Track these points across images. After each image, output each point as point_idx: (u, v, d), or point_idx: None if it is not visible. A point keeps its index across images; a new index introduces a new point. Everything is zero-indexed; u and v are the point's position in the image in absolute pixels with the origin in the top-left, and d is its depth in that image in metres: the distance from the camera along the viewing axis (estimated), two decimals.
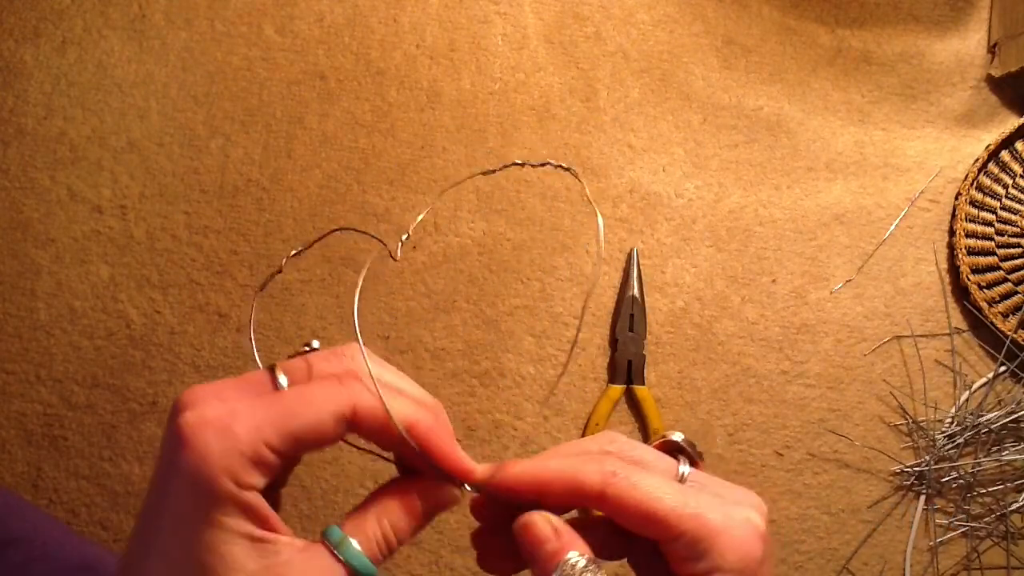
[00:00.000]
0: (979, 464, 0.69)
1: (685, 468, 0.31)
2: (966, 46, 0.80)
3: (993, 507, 0.69)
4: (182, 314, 0.73)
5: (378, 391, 0.29)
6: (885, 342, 0.73)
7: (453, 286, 0.74)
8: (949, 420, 0.71)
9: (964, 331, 0.73)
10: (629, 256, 0.74)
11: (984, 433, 0.70)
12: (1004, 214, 0.74)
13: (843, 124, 0.79)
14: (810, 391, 0.72)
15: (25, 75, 0.79)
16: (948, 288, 0.75)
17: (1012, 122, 0.76)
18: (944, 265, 0.75)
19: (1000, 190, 0.75)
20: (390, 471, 0.34)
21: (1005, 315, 0.72)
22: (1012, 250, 0.74)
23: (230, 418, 0.26)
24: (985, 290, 0.73)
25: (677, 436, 0.32)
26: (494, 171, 0.45)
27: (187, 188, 0.76)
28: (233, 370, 0.72)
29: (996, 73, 0.78)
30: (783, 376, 0.73)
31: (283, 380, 0.29)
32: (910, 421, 0.71)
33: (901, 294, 0.74)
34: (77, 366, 0.72)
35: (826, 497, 0.71)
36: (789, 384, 0.73)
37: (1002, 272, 0.73)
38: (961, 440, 0.70)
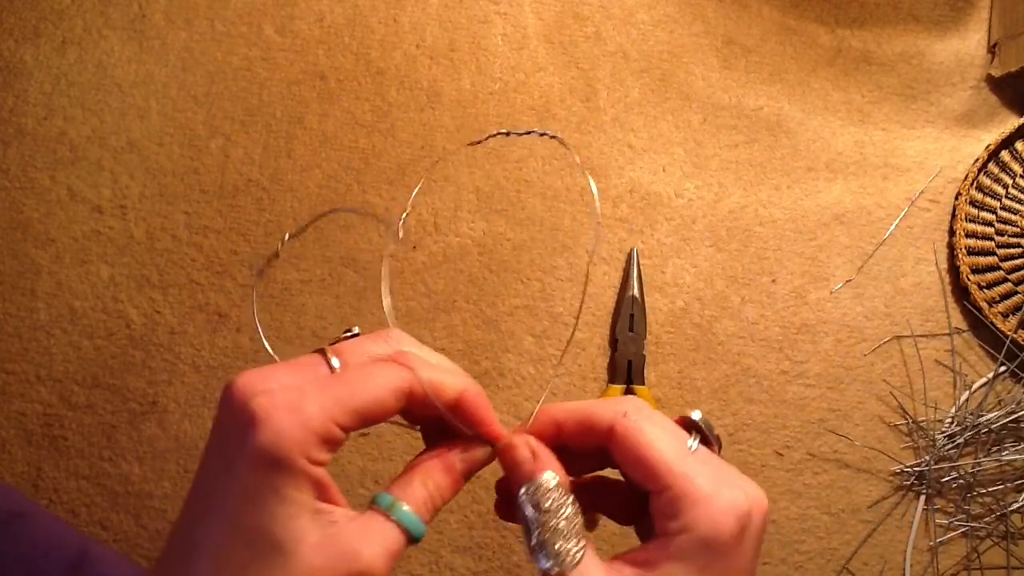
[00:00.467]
0: (979, 464, 0.69)
1: (693, 443, 0.32)
2: (966, 46, 0.80)
3: (993, 507, 0.69)
4: (182, 314, 0.73)
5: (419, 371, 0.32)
6: (885, 342, 0.73)
7: (453, 286, 0.74)
8: (949, 420, 0.71)
9: (964, 331, 0.73)
10: (629, 256, 0.74)
11: (984, 433, 0.70)
12: (1004, 214, 0.74)
13: (843, 124, 0.79)
14: (810, 391, 0.72)
15: (25, 75, 0.79)
16: (948, 288, 0.75)
17: (1012, 122, 0.76)
18: (944, 265, 0.75)
19: (1000, 190, 0.75)
20: (389, 471, 0.35)
21: (1005, 315, 0.72)
22: (1012, 250, 0.74)
23: (301, 400, 0.28)
24: (985, 290, 0.73)
25: (695, 414, 0.33)
26: (480, 142, 0.48)
27: (187, 188, 0.76)
28: (233, 370, 0.72)
29: (996, 73, 0.78)
30: (783, 376, 0.73)
31: (335, 362, 0.31)
32: (910, 421, 0.71)
33: (901, 294, 0.74)
34: (77, 366, 0.72)
35: (826, 497, 0.71)
36: (789, 384, 0.73)
37: (1002, 272, 0.73)
38: (961, 440, 0.70)
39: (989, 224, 0.74)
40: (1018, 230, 0.74)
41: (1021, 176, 0.75)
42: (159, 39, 0.80)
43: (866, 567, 0.69)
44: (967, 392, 0.72)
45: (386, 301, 0.33)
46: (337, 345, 0.32)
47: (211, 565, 0.27)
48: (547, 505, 0.31)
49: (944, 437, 0.70)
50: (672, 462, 0.30)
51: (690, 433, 0.33)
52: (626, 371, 0.71)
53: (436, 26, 0.80)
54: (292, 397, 0.28)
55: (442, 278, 0.74)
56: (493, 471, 0.35)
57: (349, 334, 0.34)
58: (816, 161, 0.78)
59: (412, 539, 0.30)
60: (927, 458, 0.70)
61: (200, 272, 0.74)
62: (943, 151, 0.78)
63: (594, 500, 0.36)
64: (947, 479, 0.70)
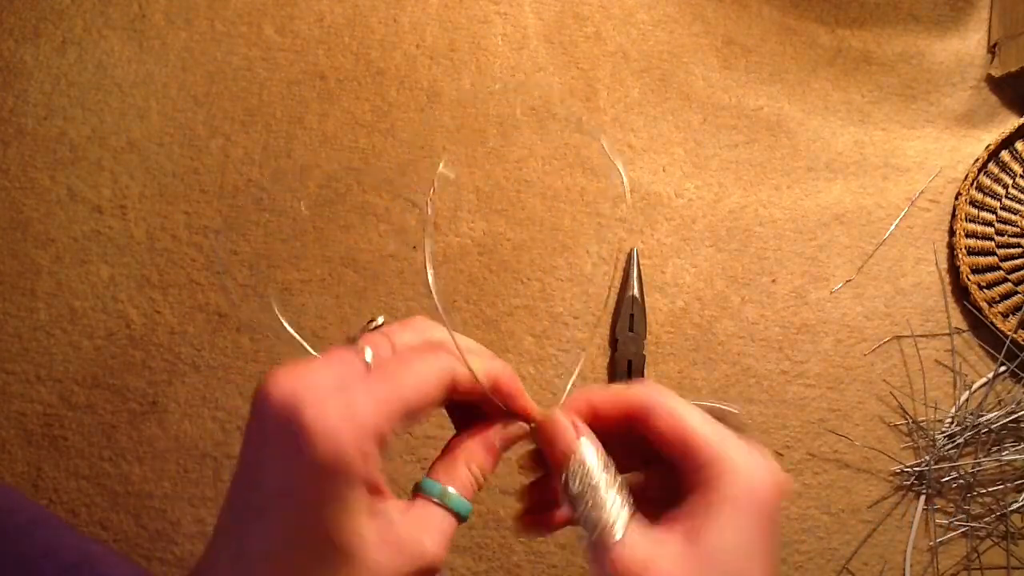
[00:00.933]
0: (979, 464, 0.69)
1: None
2: (966, 46, 0.80)
3: (993, 507, 0.69)
4: (182, 314, 0.73)
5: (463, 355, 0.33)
6: (885, 342, 0.73)
7: (453, 286, 0.74)
8: (949, 420, 0.71)
9: (964, 331, 0.73)
10: (629, 256, 0.74)
11: (984, 433, 0.70)
12: (1004, 214, 0.74)
13: (843, 124, 0.79)
14: (810, 391, 0.72)
15: (25, 75, 0.79)
16: (948, 288, 0.75)
17: (1012, 122, 0.76)
18: (944, 265, 0.75)
19: (1000, 190, 0.75)
20: (407, 444, 0.36)
21: (1005, 315, 0.72)
22: (1012, 250, 0.74)
23: (353, 405, 0.28)
24: (985, 290, 0.73)
25: (724, 406, 0.34)
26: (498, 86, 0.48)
27: (187, 188, 0.76)
28: (233, 370, 0.72)
29: (996, 73, 0.78)
30: (783, 376, 0.73)
31: (369, 355, 0.30)
32: (910, 421, 0.71)
33: (901, 294, 0.74)
34: (77, 366, 0.72)
35: (826, 497, 0.71)
36: (789, 384, 0.73)
37: (1002, 272, 0.73)
38: (961, 440, 0.70)
39: (989, 224, 0.74)
40: (1018, 230, 0.74)
41: (1021, 176, 0.75)
42: (159, 39, 0.80)
43: (866, 567, 0.69)
44: (967, 392, 0.72)
45: (431, 277, 0.33)
46: (367, 336, 0.32)
47: (267, 567, 0.27)
48: (592, 475, 0.31)
49: (944, 437, 0.70)
50: (709, 436, 0.31)
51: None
52: (626, 371, 0.71)
53: (436, 26, 0.80)
54: (342, 403, 0.28)
55: (442, 278, 0.74)
56: (500, 480, 0.34)
57: (374, 324, 0.34)
58: (816, 161, 0.78)
59: (461, 519, 0.31)
60: (927, 458, 0.70)
61: (200, 272, 0.74)
62: (943, 151, 0.78)
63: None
64: (947, 479, 0.70)
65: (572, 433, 0.33)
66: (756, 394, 0.72)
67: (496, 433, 0.34)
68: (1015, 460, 0.69)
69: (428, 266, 0.34)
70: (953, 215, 0.75)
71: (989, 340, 0.73)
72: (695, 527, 0.30)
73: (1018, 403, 0.70)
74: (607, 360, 0.73)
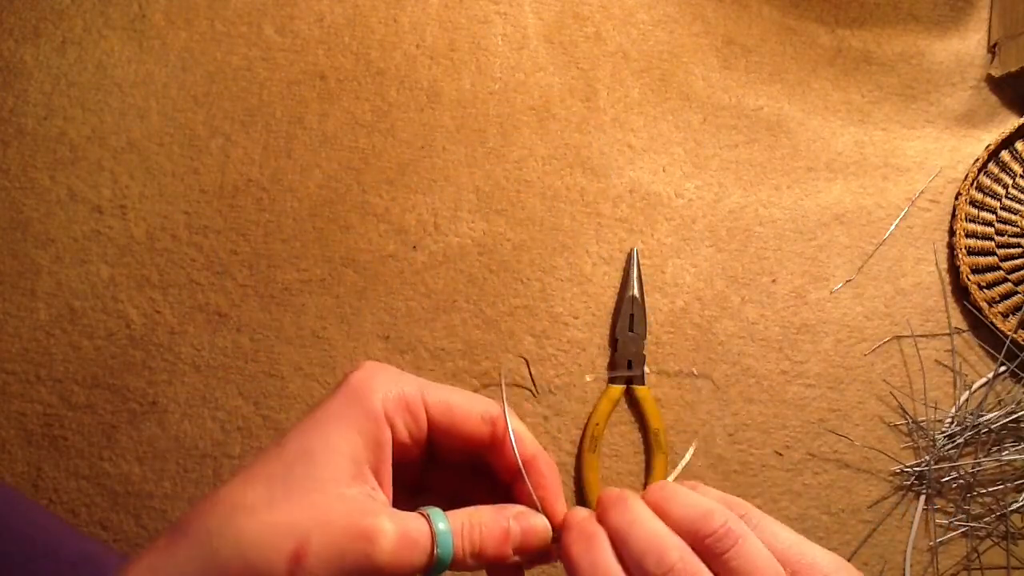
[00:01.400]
0: (979, 464, 0.69)
1: None
2: (966, 46, 0.80)
3: (993, 507, 0.69)
4: (182, 314, 0.73)
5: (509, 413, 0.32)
6: (885, 342, 0.73)
7: (453, 286, 0.74)
8: (949, 420, 0.71)
9: (964, 331, 0.73)
10: (629, 256, 0.74)
11: (984, 433, 0.70)
12: (1004, 214, 0.74)
13: (843, 124, 0.79)
14: (810, 391, 0.72)
15: (25, 75, 0.79)
16: (948, 288, 0.75)
17: (1012, 122, 0.76)
18: (944, 265, 0.75)
19: (1000, 190, 0.75)
20: None
21: (1005, 315, 0.72)
22: (1012, 250, 0.74)
23: (402, 372, 0.30)
24: (985, 290, 0.73)
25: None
26: None
27: (187, 188, 0.76)
28: (233, 370, 0.72)
29: (996, 73, 0.78)
30: (783, 376, 0.73)
31: None
32: (910, 421, 0.71)
33: (901, 294, 0.74)
34: (77, 366, 0.72)
35: (826, 497, 0.71)
36: (789, 384, 0.73)
37: (1002, 272, 0.73)
38: (961, 440, 0.70)
39: (989, 224, 0.74)
40: (1018, 230, 0.74)
41: (1021, 176, 0.75)
42: (159, 39, 0.80)
43: (866, 567, 0.69)
44: (967, 392, 0.72)
45: (514, 442, 0.32)
46: None
47: (244, 479, 0.27)
48: None
49: (944, 437, 0.70)
50: None
51: None
52: (626, 370, 0.71)
53: (436, 26, 0.80)
54: (394, 368, 0.30)
55: (442, 278, 0.74)
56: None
57: None
58: (816, 161, 0.78)
59: (437, 556, 0.28)
60: (927, 458, 0.70)
61: (200, 272, 0.74)
62: (943, 151, 0.78)
63: None
64: (947, 479, 0.70)
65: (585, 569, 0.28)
66: (756, 394, 0.72)
67: (511, 508, 0.31)
68: (1015, 460, 0.69)
69: (513, 443, 0.33)
70: (953, 215, 0.75)
71: (989, 340, 0.73)
72: None
73: (1018, 403, 0.70)
74: (607, 360, 0.73)
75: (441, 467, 0.34)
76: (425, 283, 0.74)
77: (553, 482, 0.32)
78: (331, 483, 0.27)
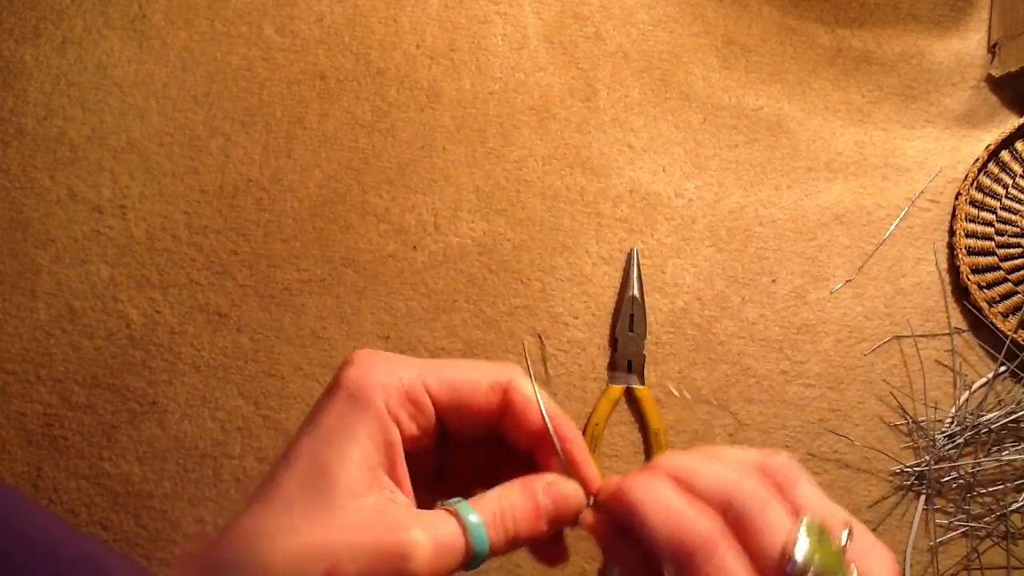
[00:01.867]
0: (979, 464, 0.69)
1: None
2: (966, 46, 0.80)
3: (993, 507, 0.69)
4: (182, 314, 0.73)
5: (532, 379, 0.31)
6: (885, 342, 0.73)
7: (453, 286, 0.74)
8: (949, 420, 0.71)
9: (964, 331, 0.73)
10: (629, 256, 0.74)
11: (984, 433, 0.70)
12: (1004, 214, 0.74)
13: (843, 124, 0.79)
14: (810, 391, 0.72)
15: (25, 75, 0.79)
16: (948, 288, 0.75)
17: (1012, 122, 0.76)
18: (944, 265, 0.75)
19: (1000, 190, 0.75)
20: None
21: (1005, 315, 0.72)
22: (1012, 250, 0.74)
23: (399, 359, 0.28)
24: (985, 290, 0.73)
25: (799, 551, 0.25)
26: None
27: (187, 188, 0.76)
28: (233, 370, 0.72)
29: (996, 73, 0.78)
30: (783, 376, 0.73)
31: None
32: (910, 421, 0.71)
33: (901, 294, 0.74)
34: (77, 366, 0.72)
35: None
36: (789, 384, 0.73)
37: (1002, 272, 0.73)
38: (961, 440, 0.70)
39: (989, 224, 0.74)
40: (1018, 230, 0.74)
41: (1021, 176, 0.75)
42: (159, 39, 0.80)
43: None
44: (967, 392, 0.72)
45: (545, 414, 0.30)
46: None
47: (261, 504, 0.25)
48: None
49: (944, 437, 0.70)
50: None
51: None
52: (626, 371, 0.71)
53: (436, 26, 0.80)
54: (393, 356, 0.28)
55: (442, 278, 0.74)
56: None
57: None
58: (816, 161, 0.78)
59: (473, 553, 0.27)
60: (927, 458, 0.70)
61: (200, 272, 0.74)
62: (943, 151, 0.78)
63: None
64: (947, 479, 0.70)
65: (618, 534, 0.28)
66: (756, 394, 0.72)
67: (539, 480, 0.30)
68: (1015, 460, 0.69)
69: (543, 411, 0.32)
70: (953, 215, 0.75)
71: (989, 340, 0.73)
72: None
73: (1018, 403, 0.70)
74: (607, 360, 0.73)
75: (457, 446, 0.33)
76: (425, 283, 0.74)
77: (579, 444, 0.30)
78: (351, 498, 0.25)
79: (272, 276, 0.74)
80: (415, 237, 0.75)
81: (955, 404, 0.72)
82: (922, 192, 0.76)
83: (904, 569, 0.69)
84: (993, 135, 0.77)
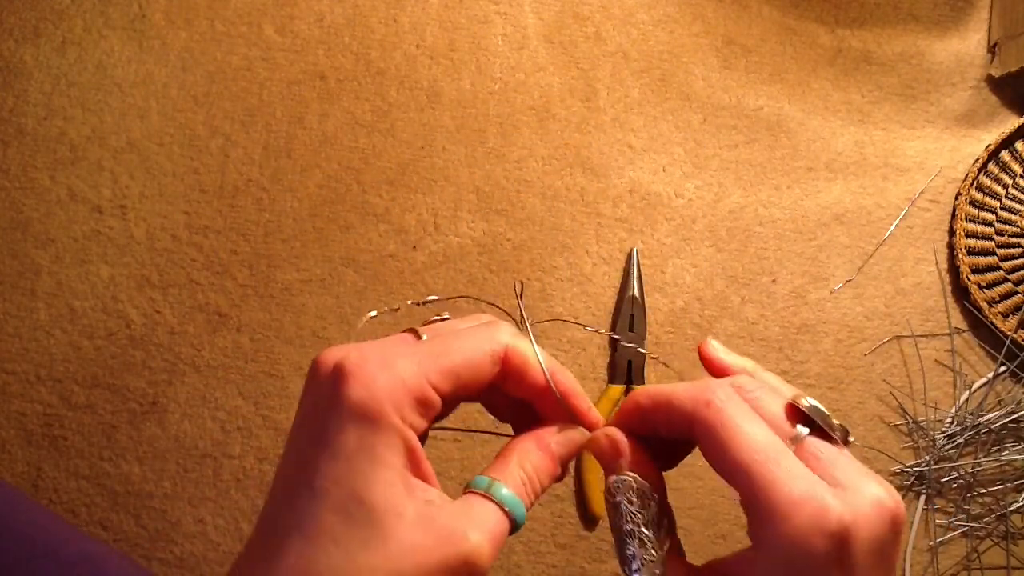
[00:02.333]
0: (979, 464, 0.69)
1: (803, 430, 0.28)
2: (966, 46, 0.80)
3: (993, 507, 0.69)
4: (182, 314, 0.73)
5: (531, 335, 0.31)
6: (885, 342, 0.73)
7: (453, 286, 0.74)
8: (949, 420, 0.71)
9: (964, 331, 0.73)
10: (629, 256, 0.74)
11: (984, 433, 0.70)
12: (1004, 214, 0.74)
13: (843, 124, 0.79)
14: (810, 391, 0.72)
15: (25, 75, 0.79)
16: (948, 288, 0.75)
17: (1012, 122, 0.76)
18: (944, 265, 0.75)
19: (1000, 190, 0.75)
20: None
21: (1005, 315, 0.72)
22: (1012, 250, 0.74)
23: (394, 357, 0.27)
24: (985, 290, 0.73)
25: (805, 401, 0.28)
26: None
27: (187, 188, 0.76)
28: (233, 370, 0.72)
29: (996, 73, 0.78)
30: (783, 376, 0.73)
31: (425, 337, 0.30)
32: (910, 421, 0.71)
33: (901, 294, 0.74)
34: (77, 366, 0.72)
35: None
36: (789, 384, 0.73)
37: (1002, 272, 0.73)
38: (961, 440, 0.70)
39: (989, 224, 0.74)
40: (1018, 230, 0.74)
41: (1021, 176, 0.75)
42: (159, 39, 0.80)
43: None
44: (967, 392, 0.72)
45: (541, 359, 0.32)
46: (429, 324, 0.32)
47: (302, 540, 0.25)
48: (624, 507, 0.28)
49: (944, 437, 0.70)
50: (760, 463, 0.26)
51: (795, 425, 0.28)
52: (626, 371, 0.71)
53: (436, 26, 0.80)
54: (384, 354, 0.27)
55: (442, 278, 0.74)
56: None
57: (438, 318, 0.34)
58: (816, 161, 0.78)
59: (514, 524, 0.28)
60: (927, 458, 0.70)
61: (200, 272, 0.74)
62: (943, 151, 0.78)
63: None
64: (947, 479, 0.70)
65: (608, 458, 0.30)
66: None
67: (551, 434, 0.31)
68: (1015, 460, 0.69)
69: (539, 355, 0.32)
70: (953, 215, 0.75)
71: (989, 340, 0.73)
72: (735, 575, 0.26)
73: (1018, 403, 0.70)
74: (607, 360, 0.73)
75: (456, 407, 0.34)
76: (425, 283, 0.74)
77: (579, 394, 0.32)
78: (396, 518, 0.25)
79: (272, 276, 0.74)
80: (415, 237, 0.75)
81: (955, 404, 0.72)
82: (922, 192, 0.76)
83: (904, 569, 0.69)
84: (993, 135, 0.77)
